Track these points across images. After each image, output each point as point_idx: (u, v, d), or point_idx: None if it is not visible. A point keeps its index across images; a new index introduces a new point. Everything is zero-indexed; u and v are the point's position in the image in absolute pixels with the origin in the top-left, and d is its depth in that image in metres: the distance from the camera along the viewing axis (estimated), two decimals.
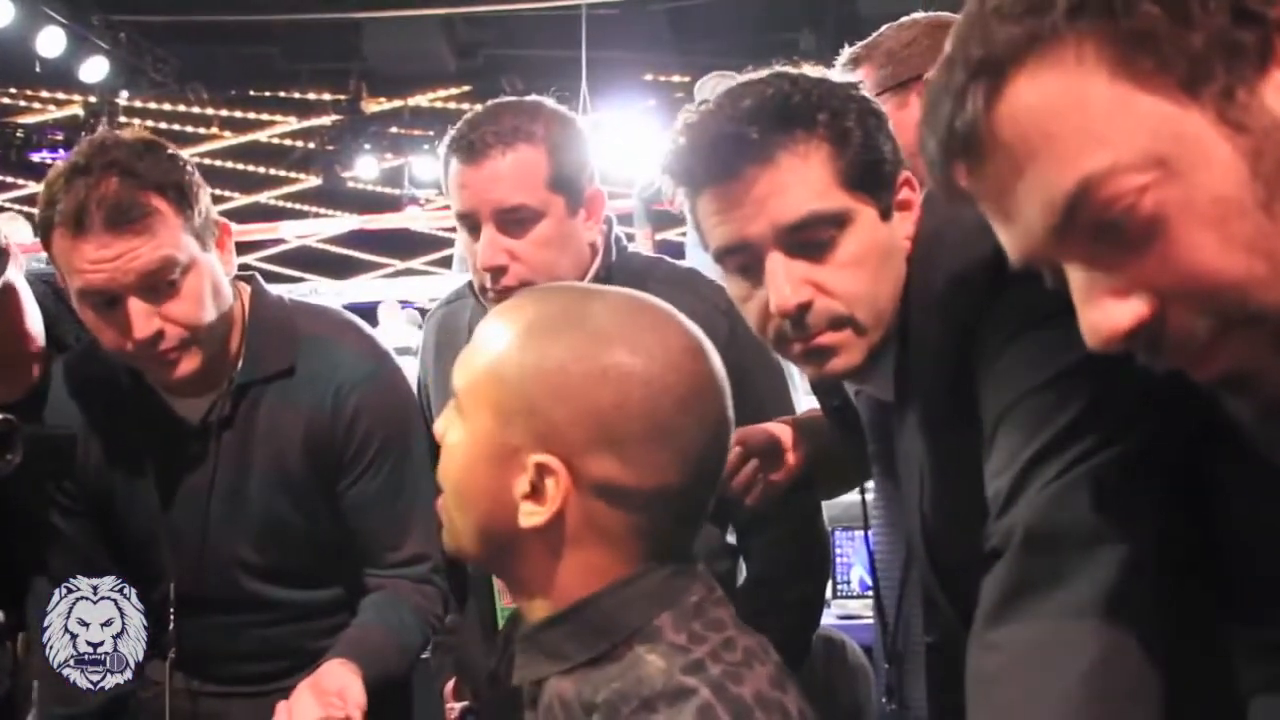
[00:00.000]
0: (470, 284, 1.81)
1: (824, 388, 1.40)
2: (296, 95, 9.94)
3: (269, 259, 10.93)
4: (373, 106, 9.77)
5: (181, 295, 1.50)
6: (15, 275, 1.64)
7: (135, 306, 1.48)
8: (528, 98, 1.68)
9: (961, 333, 1.07)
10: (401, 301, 7.78)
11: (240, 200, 10.68)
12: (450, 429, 1.00)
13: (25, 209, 8.87)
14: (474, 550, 1.01)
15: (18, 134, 9.57)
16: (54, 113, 9.92)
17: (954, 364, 1.08)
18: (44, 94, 9.80)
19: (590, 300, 0.99)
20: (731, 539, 1.78)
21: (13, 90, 9.73)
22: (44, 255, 1.54)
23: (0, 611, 1.72)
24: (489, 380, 0.96)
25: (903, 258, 1.16)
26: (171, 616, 1.65)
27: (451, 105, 9.58)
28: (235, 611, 1.68)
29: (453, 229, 1.91)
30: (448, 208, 1.72)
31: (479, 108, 1.66)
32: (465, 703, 1.63)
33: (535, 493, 0.94)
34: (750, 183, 1.11)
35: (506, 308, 1.00)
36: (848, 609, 3.19)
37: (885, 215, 1.15)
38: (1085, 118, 0.74)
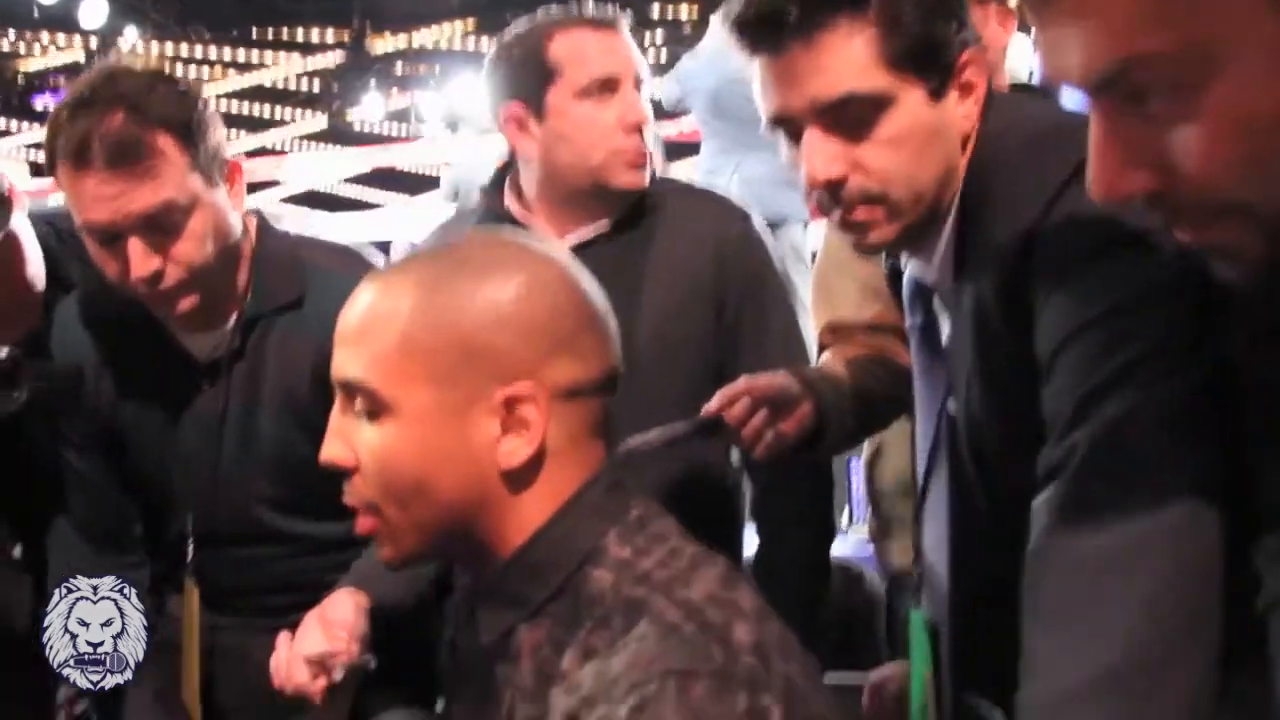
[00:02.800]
0: (488, 189, 1.83)
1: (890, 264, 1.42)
2: (300, 34, 9.84)
3: (275, 200, 10.87)
4: (377, 45, 9.67)
5: (184, 236, 1.49)
6: (18, 222, 1.62)
7: (135, 246, 1.47)
8: None
9: (1020, 238, 1.06)
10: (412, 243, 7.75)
11: (246, 141, 10.63)
12: (364, 435, 0.95)
13: (27, 154, 8.84)
14: (435, 540, 0.97)
15: (18, 79, 9.53)
16: (55, 57, 9.85)
17: (1011, 266, 1.07)
18: (44, 37, 9.71)
19: (454, 248, 1.01)
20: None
21: (12, 34, 9.65)
22: (44, 199, 1.52)
23: (19, 546, 1.72)
24: (408, 353, 0.93)
25: (957, 140, 1.16)
26: (191, 549, 1.65)
27: (456, 42, 9.47)
28: (252, 545, 1.68)
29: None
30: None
31: None
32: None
33: (509, 429, 0.94)
34: (792, 59, 1.13)
35: (374, 291, 0.97)
36: (864, 537, 3.19)
37: (936, 96, 1.14)
38: None
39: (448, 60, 9.48)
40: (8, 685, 1.77)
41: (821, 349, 1.79)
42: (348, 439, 0.97)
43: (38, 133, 8.93)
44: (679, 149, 5.68)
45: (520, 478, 0.95)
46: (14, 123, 9.84)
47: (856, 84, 1.12)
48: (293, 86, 10.39)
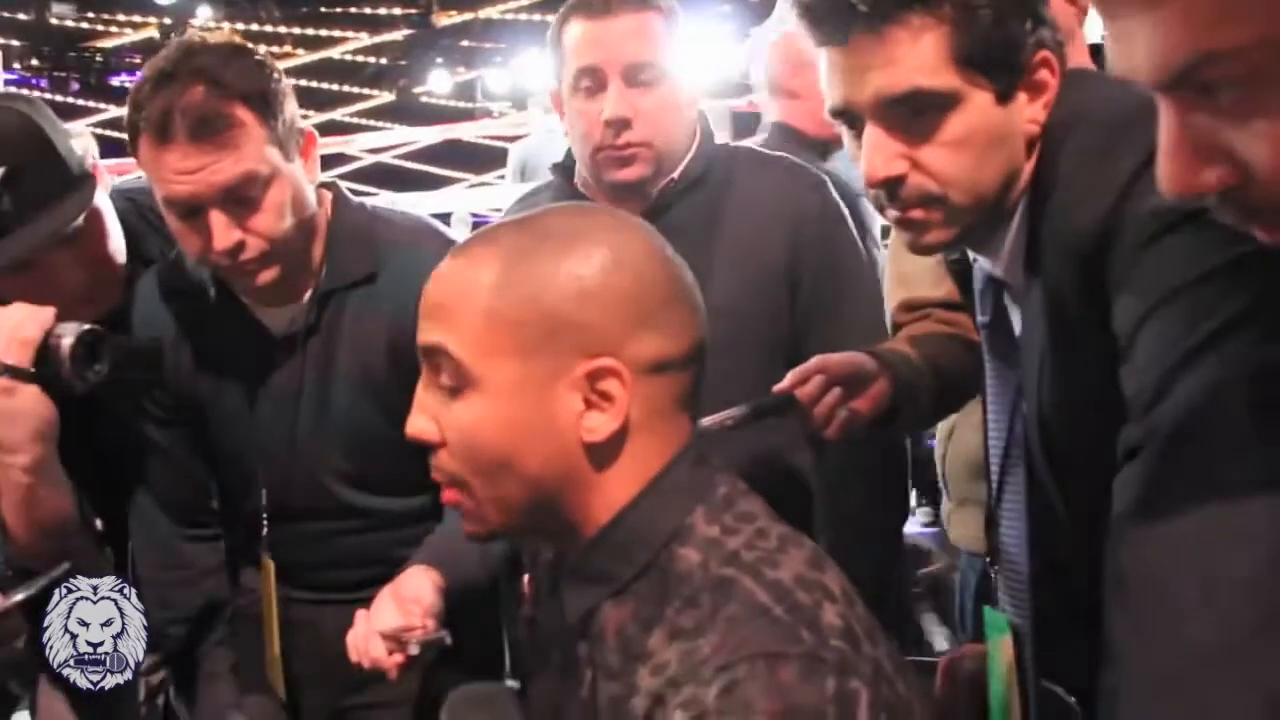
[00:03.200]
0: (560, 167, 1.82)
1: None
2: (368, 10, 9.91)
3: (344, 175, 11.00)
4: (443, 20, 9.71)
5: (263, 208, 1.50)
6: (101, 198, 1.65)
7: (217, 218, 1.48)
8: None
9: (1097, 224, 1.03)
10: (474, 214, 7.78)
11: (315, 118, 10.74)
12: (450, 410, 0.95)
13: (103, 133, 9.01)
14: (521, 515, 0.97)
15: (96, 58, 9.69)
16: (130, 36, 10.01)
17: (1088, 252, 1.04)
18: (120, 17, 9.88)
19: (538, 219, 1.00)
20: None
21: (90, 15, 9.82)
22: (120, 176, 1.54)
23: (100, 520, 1.75)
24: (493, 326, 0.93)
25: (1022, 142, 1.12)
26: (265, 523, 1.67)
27: (523, 16, 9.47)
28: (326, 519, 1.70)
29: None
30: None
31: None
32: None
33: (593, 404, 0.93)
34: (859, 51, 1.10)
35: (458, 263, 0.97)
36: (928, 518, 3.16)
37: (1004, 98, 1.11)
38: None
39: (514, 35, 9.50)
40: None
41: (896, 328, 1.76)
42: (433, 414, 0.96)
43: (112, 112, 9.12)
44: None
45: (605, 453, 0.95)
46: (91, 102, 10.03)
47: (923, 81, 1.08)
48: (360, 62, 10.48)
